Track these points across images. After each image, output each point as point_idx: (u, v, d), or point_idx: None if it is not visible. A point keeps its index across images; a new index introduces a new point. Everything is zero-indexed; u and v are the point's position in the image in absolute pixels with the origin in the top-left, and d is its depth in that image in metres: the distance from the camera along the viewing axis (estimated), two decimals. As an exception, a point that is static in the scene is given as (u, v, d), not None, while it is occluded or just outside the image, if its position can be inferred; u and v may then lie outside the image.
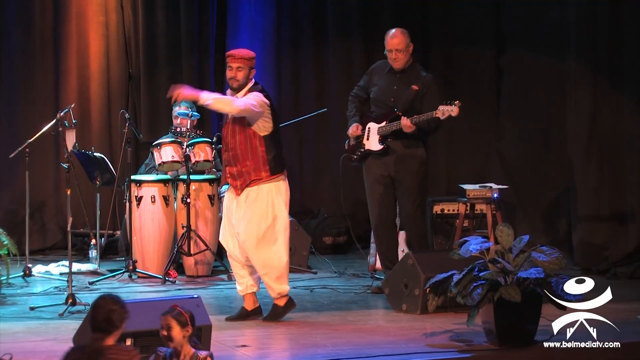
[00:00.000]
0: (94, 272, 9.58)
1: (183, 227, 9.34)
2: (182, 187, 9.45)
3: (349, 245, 10.99)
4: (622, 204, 9.60)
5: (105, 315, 4.89)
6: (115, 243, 10.61)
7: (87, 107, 11.16)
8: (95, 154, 9.68)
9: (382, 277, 8.55)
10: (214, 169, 9.82)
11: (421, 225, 8.73)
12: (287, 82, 11.74)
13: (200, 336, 5.95)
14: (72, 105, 9.04)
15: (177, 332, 5.29)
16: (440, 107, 8.31)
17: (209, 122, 11.17)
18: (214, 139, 9.63)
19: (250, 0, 11.51)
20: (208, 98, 7.30)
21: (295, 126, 10.93)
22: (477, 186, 9.38)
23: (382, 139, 8.58)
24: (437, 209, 10.06)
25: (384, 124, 8.57)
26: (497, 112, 11.31)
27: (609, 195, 9.68)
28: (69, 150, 8.50)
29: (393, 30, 8.63)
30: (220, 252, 9.73)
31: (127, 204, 9.52)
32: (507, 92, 11.16)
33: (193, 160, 9.35)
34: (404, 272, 7.87)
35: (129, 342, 5.96)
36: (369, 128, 8.66)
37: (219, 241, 9.47)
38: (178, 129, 9.48)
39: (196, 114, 9.56)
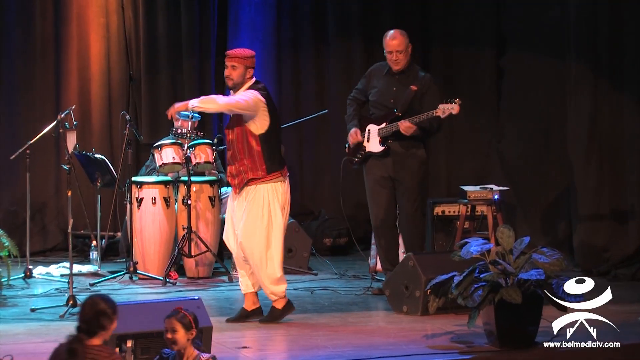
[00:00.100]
0: (94, 274, 9.58)
1: (184, 228, 9.34)
2: (182, 189, 9.45)
3: (349, 247, 10.98)
4: (622, 204, 9.60)
5: (93, 315, 4.86)
6: (116, 244, 10.61)
7: (87, 108, 11.16)
8: (96, 155, 9.68)
9: (383, 279, 8.55)
10: (214, 171, 9.82)
11: (420, 227, 8.72)
12: (288, 82, 11.74)
13: (201, 338, 5.96)
14: (73, 107, 9.05)
15: (181, 335, 5.31)
16: (441, 106, 8.32)
17: (209, 124, 11.17)
18: (215, 140, 9.64)
19: (251, 1, 11.51)
20: (194, 102, 7.41)
21: (296, 127, 10.93)
22: (477, 188, 9.38)
23: (383, 141, 8.58)
24: (437, 210, 10.05)
25: (383, 125, 8.57)
26: (497, 112, 11.31)
27: (609, 195, 9.67)
28: (70, 152, 8.51)
29: (392, 32, 8.63)
30: (221, 254, 9.75)
31: (128, 206, 9.52)
32: (507, 92, 11.16)
33: (194, 161, 9.35)
34: (404, 274, 7.87)
35: (129, 343, 5.96)
36: (368, 130, 8.65)
37: (219, 243, 9.55)
38: (179, 131, 9.48)
39: (197, 115, 9.54)
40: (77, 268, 9.55)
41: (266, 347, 6.99)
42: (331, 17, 11.68)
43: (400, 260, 8.34)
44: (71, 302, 7.67)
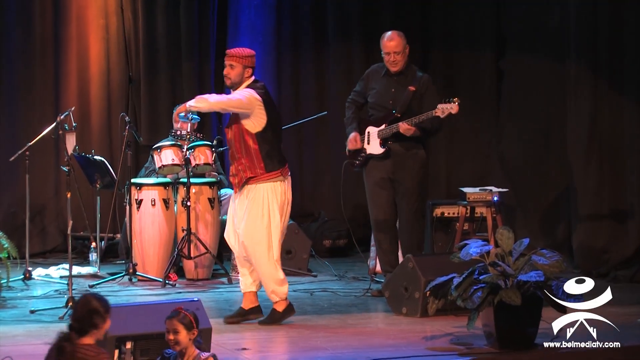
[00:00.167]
0: (94, 275, 9.57)
1: (183, 230, 9.34)
2: (182, 190, 9.45)
3: (348, 249, 10.97)
4: (622, 206, 9.59)
5: (85, 313, 4.84)
6: (115, 246, 10.61)
7: (87, 110, 11.15)
8: (95, 157, 9.67)
9: (382, 281, 8.55)
10: (214, 172, 9.82)
11: (419, 228, 8.72)
12: (287, 84, 11.73)
13: (202, 338, 5.96)
14: (72, 109, 9.04)
15: (183, 335, 5.31)
16: (440, 106, 8.31)
17: (209, 125, 11.16)
18: (214, 142, 9.63)
19: (251, 3, 11.50)
20: (191, 101, 7.50)
21: (295, 129, 10.92)
22: (477, 189, 9.38)
23: (383, 142, 8.57)
24: (437, 211, 10.04)
25: (383, 127, 8.57)
26: (497, 113, 11.30)
27: (608, 197, 9.67)
28: (69, 154, 8.50)
29: (389, 33, 8.63)
30: (220, 256, 9.75)
31: (127, 207, 9.52)
32: (507, 93, 11.15)
33: (193, 163, 9.34)
34: (404, 275, 7.86)
35: (128, 345, 5.96)
36: (368, 132, 8.65)
37: (219, 244, 9.55)
38: (178, 132, 9.48)
39: (196, 117, 9.55)
40: (76, 270, 9.54)
41: (265, 349, 6.99)
42: (331, 18, 11.67)
43: (399, 262, 8.34)
44: (70, 303, 7.66)
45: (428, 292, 6.82)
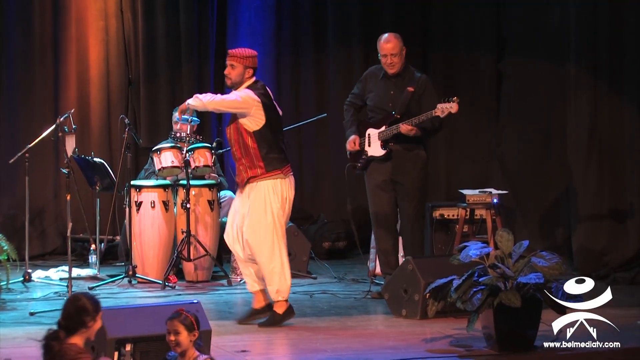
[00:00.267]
0: (93, 278, 9.57)
1: (183, 232, 9.33)
2: (181, 193, 9.44)
3: (348, 251, 10.98)
4: (622, 206, 9.59)
5: (74, 311, 4.82)
6: (115, 248, 10.60)
7: (86, 112, 11.15)
8: (94, 159, 9.67)
9: (382, 283, 8.55)
10: (213, 174, 9.82)
11: (419, 230, 8.73)
12: (287, 86, 11.73)
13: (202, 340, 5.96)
14: (72, 111, 9.05)
15: (184, 336, 5.31)
16: (439, 106, 8.32)
17: (208, 128, 11.16)
18: (214, 144, 9.64)
19: (250, 5, 11.50)
20: (189, 100, 7.51)
21: (295, 131, 10.92)
22: (476, 191, 9.38)
23: (384, 144, 8.57)
24: (436, 213, 10.04)
25: (383, 128, 8.57)
26: (497, 115, 11.30)
27: (608, 199, 9.67)
28: (69, 156, 8.51)
29: (386, 35, 8.62)
30: (220, 258, 9.75)
31: (127, 209, 9.51)
32: (507, 95, 11.15)
33: (193, 165, 9.34)
34: (403, 278, 7.86)
35: (128, 347, 5.95)
36: (368, 134, 8.64)
37: (218, 246, 9.55)
38: (178, 135, 9.48)
39: (196, 119, 9.56)
40: (76, 272, 9.55)
41: (265, 351, 6.98)
42: (331, 19, 11.67)
43: (399, 264, 8.34)
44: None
45: (428, 294, 6.81)
